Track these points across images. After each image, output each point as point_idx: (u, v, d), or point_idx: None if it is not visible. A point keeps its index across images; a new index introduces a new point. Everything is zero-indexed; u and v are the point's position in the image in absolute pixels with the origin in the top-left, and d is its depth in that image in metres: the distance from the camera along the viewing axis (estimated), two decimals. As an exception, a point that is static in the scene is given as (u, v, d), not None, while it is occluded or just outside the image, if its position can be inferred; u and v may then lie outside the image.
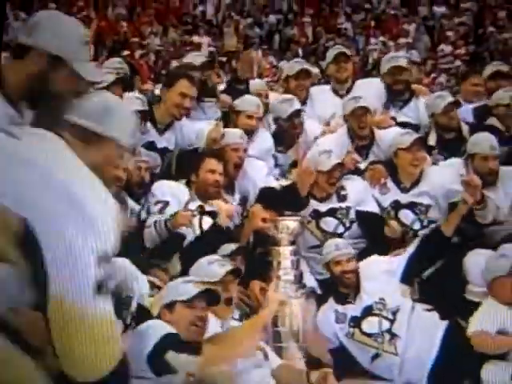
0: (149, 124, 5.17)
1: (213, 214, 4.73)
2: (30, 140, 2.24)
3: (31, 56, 2.67)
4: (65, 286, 2.04)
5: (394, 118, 5.81)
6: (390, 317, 4.56)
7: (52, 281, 2.04)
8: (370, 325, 4.55)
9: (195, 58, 6.00)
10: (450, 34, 17.33)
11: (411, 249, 4.85)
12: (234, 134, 5.21)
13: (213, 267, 3.95)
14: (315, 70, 7.09)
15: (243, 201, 5.26)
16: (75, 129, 2.40)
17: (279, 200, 5.03)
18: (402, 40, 16.12)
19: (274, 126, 5.93)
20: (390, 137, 5.32)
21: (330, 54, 6.46)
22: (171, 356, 3.11)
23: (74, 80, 2.77)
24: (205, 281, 3.71)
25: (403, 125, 5.65)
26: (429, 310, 4.63)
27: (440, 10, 19.20)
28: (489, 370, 4.30)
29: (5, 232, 2.09)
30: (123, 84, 4.98)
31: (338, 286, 4.73)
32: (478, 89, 6.28)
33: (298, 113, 5.68)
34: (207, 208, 4.75)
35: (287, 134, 5.75)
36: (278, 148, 5.79)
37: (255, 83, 6.28)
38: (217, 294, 3.59)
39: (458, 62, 9.45)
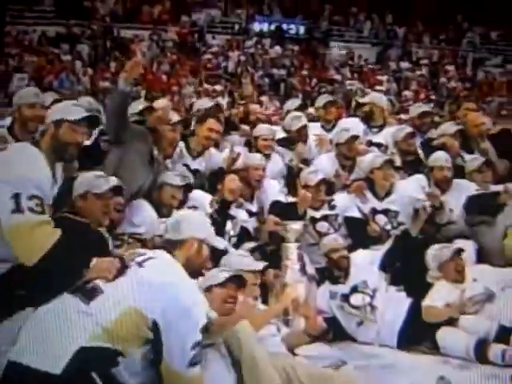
0: (185, 151, 5.66)
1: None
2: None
3: None
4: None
5: (370, 141, 6.35)
6: (371, 294, 5.03)
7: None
8: (356, 300, 5.02)
9: (219, 101, 6.60)
10: (412, 83, 19.47)
11: (387, 245, 5.40)
12: (254, 157, 5.71)
13: (247, 260, 4.48)
14: (310, 110, 7.55)
15: (260, 210, 5.65)
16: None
17: (286, 211, 5.50)
18: (377, 87, 17.44)
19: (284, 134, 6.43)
20: (367, 160, 5.81)
21: (320, 102, 7.08)
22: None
23: None
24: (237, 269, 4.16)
25: (377, 145, 6.22)
26: (399, 291, 5.15)
27: (405, 65, 22.02)
28: (441, 334, 4.72)
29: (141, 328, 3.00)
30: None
31: (332, 271, 5.21)
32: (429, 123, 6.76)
33: (304, 127, 6.32)
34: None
35: (295, 140, 6.32)
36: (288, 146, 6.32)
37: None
38: (244, 279, 3.95)
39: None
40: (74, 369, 2.91)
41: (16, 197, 3.18)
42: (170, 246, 3.36)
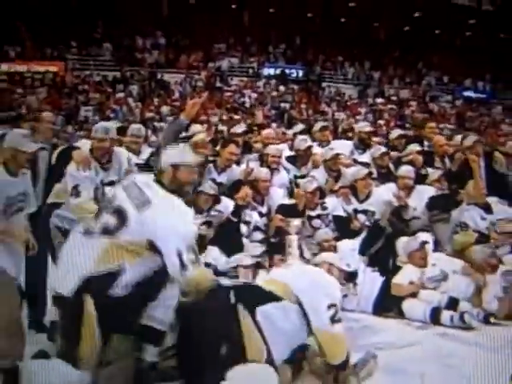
0: (212, 168, 5.59)
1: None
2: None
3: None
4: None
5: (355, 160, 6.24)
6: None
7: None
8: None
9: (238, 129, 6.48)
10: (385, 114, 19.18)
11: (363, 235, 5.43)
12: (262, 171, 5.60)
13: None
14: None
15: (269, 211, 5.56)
16: None
17: (289, 211, 5.44)
18: (357, 117, 17.72)
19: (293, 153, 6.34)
20: (351, 172, 5.80)
21: (317, 127, 7.00)
22: None
23: None
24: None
25: (362, 164, 6.06)
26: (374, 271, 5.09)
27: (379, 100, 21.57)
28: (406, 303, 4.77)
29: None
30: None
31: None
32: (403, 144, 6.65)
33: (310, 147, 6.18)
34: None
35: (302, 158, 6.20)
36: (295, 165, 6.19)
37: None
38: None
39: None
40: None
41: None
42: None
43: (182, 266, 3.02)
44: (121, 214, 3.11)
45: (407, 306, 4.79)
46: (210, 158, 5.60)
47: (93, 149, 4.55)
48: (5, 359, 3.22)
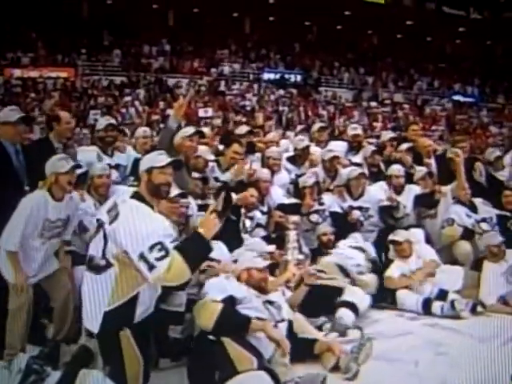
0: (216, 167, 5.43)
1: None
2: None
3: None
4: None
5: (350, 160, 6.13)
6: None
7: None
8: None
9: (241, 129, 6.30)
10: (378, 116, 19.78)
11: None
12: (263, 172, 5.52)
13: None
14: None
15: (269, 209, 5.45)
16: None
17: (289, 210, 5.29)
18: (352, 120, 17.81)
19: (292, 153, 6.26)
20: (345, 171, 5.71)
21: (315, 127, 7.03)
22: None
23: None
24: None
25: (356, 164, 5.97)
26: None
27: (373, 104, 22.22)
28: (399, 294, 4.78)
29: None
30: None
31: (321, 250, 5.12)
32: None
33: (307, 146, 6.15)
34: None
35: (300, 157, 6.14)
36: (294, 165, 6.13)
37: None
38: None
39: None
40: None
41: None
42: None
43: (149, 266, 2.90)
44: (104, 235, 3.08)
45: (400, 296, 4.81)
46: (212, 158, 5.50)
47: (93, 186, 4.48)
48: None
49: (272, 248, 4.40)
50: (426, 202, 5.63)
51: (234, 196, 4.85)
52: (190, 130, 4.86)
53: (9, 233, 3.68)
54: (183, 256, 2.91)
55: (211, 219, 3.05)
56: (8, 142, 4.20)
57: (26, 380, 2.78)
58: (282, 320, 3.68)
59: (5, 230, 3.71)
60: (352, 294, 4.50)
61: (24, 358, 2.87)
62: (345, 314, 4.33)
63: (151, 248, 2.88)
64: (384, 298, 4.87)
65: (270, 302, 3.64)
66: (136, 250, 2.92)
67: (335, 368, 3.57)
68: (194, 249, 2.99)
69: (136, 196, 3.19)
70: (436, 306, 4.63)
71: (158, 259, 2.88)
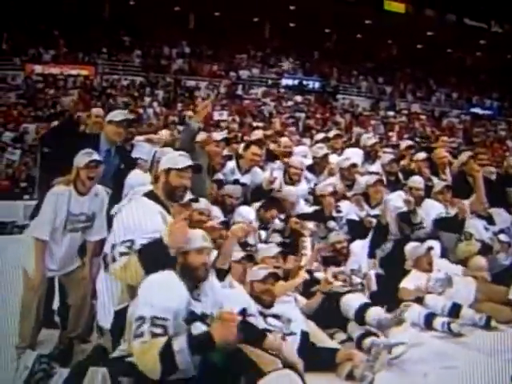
0: (236, 169, 5.50)
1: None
2: None
3: None
4: None
5: (367, 169, 6.11)
6: (362, 276, 4.85)
7: None
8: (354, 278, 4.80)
9: (255, 135, 6.33)
10: (396, 126, 19.62)
11: (370, 235, 5.26)
12: (291, 194, 5.44)
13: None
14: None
15: (287, 216, 5.32)
16: None
17: (309, 216, 5.36)
18: (369, 128, 17.75)
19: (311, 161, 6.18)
20: (364, 179, 5.77)
21: (330, 134, 7.02)
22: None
23: None
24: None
25: (372, 173, 5.93)
26: (382, 275, 5.01)
27: (391, 113, 22.10)
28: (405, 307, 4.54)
29: None
30: None
31: (335, 257, 5.02)
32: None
33: (326, 155, 6.11)
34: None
35: (319, 166, 6.09)
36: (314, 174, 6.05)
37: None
38: (278, 275, 3.88)
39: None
40: None
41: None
42: None
43: (112, 258, 2.96)
44: None
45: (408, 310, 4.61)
46: (231, 156, 5.51)
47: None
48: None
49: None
50: (451, 227, 5.51)
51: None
52: (219, 136, 5.02)
53: (39, 222, 3.72)
54: (139, 258, 2.87)
55: (178, 225, 2.93)
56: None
57: (33, 377, 2.78)
58: (291, 333, 3.62)
59: (34, 220, 3.77)
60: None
61: (32, 356, 2.86)
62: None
63: (122, 242, 2.92)
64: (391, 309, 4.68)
65: (277, 316, 3.60)
66: (113, 240, 2.99)
67: (350, 376, 3.53)
68: (151, 252, 2.91)
69: (150, 195, 3.19)
70: (437, 323, 4.51)
71: (121, 254, 2.90)
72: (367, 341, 3.93)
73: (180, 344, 2.59)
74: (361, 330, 4.09)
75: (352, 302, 4.23)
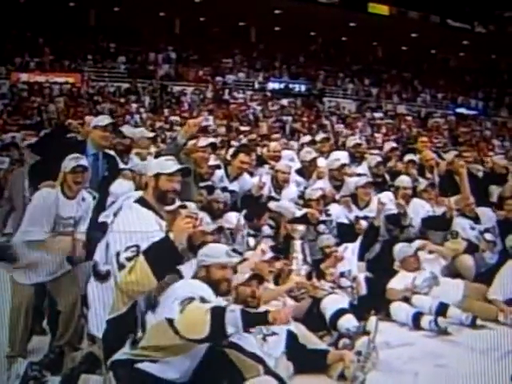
0: (224, 176, 5.47)
1: None
2: None
3: None
4: None
5: (353, 171, 6.09)
6: (351, 279, 4.81)
7: None
8: (343, 282, 4.80)
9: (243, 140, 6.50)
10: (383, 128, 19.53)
11: (360, 238, 5.16)
12: (290, 211, 5.30)
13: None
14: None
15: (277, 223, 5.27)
16: None
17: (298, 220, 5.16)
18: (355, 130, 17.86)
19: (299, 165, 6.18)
20: (353, 180, 5.76)
21: (318, 138, 7.08)
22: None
23: None
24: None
25: (359, 174, 5.97)
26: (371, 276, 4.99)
27: (377, 115, 22.07)
28: (392, 307, 4.66)
29: None
30: None
31: (325, 261, 4.93)
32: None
33: (314, 159, 6.10)
34: None
35: (307, 169, 6.08)
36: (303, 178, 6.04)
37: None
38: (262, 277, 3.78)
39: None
40: None
41: None
42: None
43: (119, 265, 2.89)
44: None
45: (393, 309, 4.73)
46: (220, 165, 5.53)
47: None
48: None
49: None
50: (439, 226, 5.58)
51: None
52: (205, 141, 4.98)
53: (30, 224, 3.72)
54: (146, 258, 2.80)
55: (182, 222, 2.91)
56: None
57: (24, 386, 2.73)
58: (273, 334, 3.60)
59: (22, 224, 3.76)
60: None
61: (23, 364, 2.85)
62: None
63: (127, 248, 2.88)
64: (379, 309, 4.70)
65: None
66: (115, 248, 2.94)
67: (341, 377, 3.55)
68: (158, 252, 2.85)
69: (141, 201, 3.19)
70: (425, 321, 4.52)
71: (128, 259, 2.84)
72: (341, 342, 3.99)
73: (233, 307, 2.72)
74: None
75: (329, 305, 4.26)
